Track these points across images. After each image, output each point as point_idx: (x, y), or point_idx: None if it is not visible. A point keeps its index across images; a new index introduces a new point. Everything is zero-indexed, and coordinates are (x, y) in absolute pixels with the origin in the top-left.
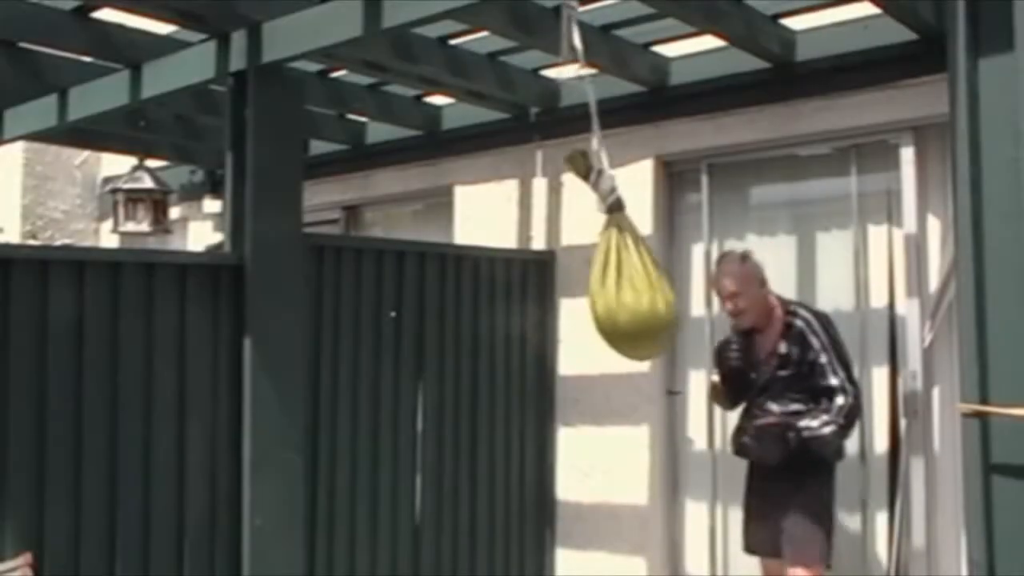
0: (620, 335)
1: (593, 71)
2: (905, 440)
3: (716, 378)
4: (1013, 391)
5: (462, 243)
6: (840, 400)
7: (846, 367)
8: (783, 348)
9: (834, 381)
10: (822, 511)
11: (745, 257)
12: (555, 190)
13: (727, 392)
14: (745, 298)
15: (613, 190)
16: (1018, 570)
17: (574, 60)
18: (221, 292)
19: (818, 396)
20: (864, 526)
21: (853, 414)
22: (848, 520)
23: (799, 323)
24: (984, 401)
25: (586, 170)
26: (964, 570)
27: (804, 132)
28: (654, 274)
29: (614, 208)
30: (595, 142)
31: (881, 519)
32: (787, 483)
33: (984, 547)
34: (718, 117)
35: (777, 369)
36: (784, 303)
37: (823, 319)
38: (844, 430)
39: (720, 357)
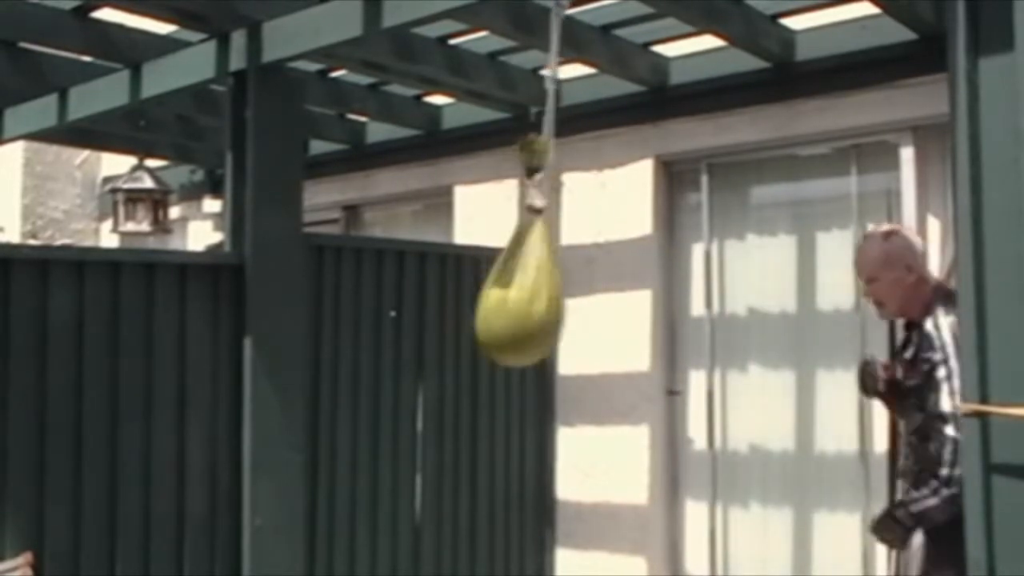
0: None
1: (557, 75)
2: None
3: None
4: (1013, 391)
5: (462, 243)
6: (950, 443)
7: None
8: (910, 350)
9: (946, 407)
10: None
11: (888, 235)
12: (555, 190)
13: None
14: (882, 285)
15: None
16: (1018, 570)
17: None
18: (221, 292)
19: (927, 424)
20: (864, 526)
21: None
22: (848, 520)
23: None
24: (984, 401)
25: (537, 164)
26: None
27: (804, 132)
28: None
29: (537, 211)
30: (549, 143)
31: None
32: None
33: (984, 547)
34: (718, 117)
35: (906, 378)
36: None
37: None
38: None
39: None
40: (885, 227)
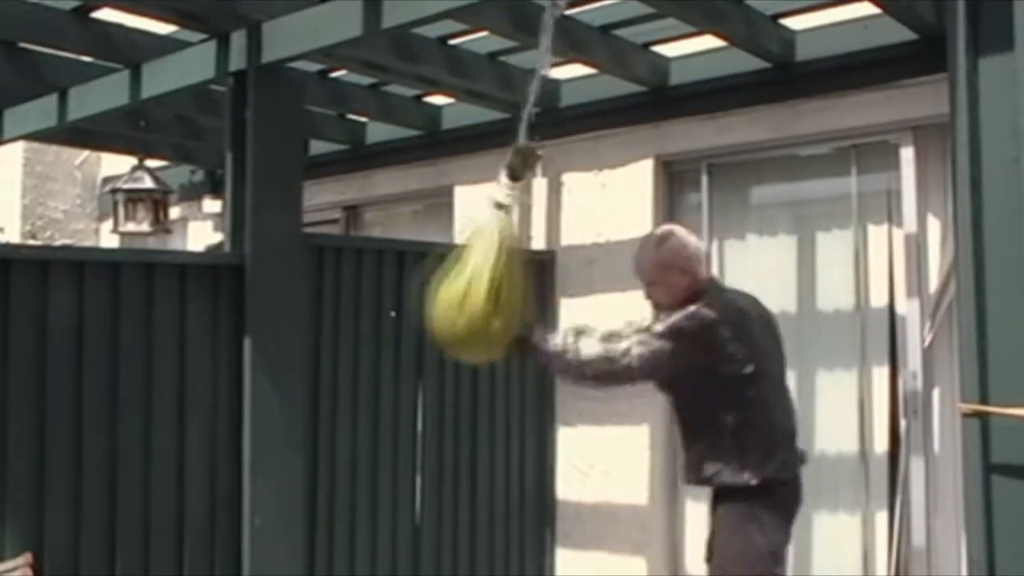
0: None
1: (545, 73)
2: (905, 440)
3: None
4: (1013, 391)
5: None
6: (619, 345)
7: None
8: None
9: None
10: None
11: (662, 240)
12: (555, 190)
13: None
14: (658, 288)
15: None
16: (1018, 570)
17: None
18: (221, 292)
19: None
20: (864, 526)
21: (610, 370)
22: (848, 520)
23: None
24: (984, 401)
25: (523, 169)
26: (964, 570)
27: (804, 132)
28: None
29: (504, 208)
30: (523, 142)
31: (881, 519)
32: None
33: (984, 547)
34: (718, 117)
35: None
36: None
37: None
38: (578, 368)
39: None
40: (661, 230)
